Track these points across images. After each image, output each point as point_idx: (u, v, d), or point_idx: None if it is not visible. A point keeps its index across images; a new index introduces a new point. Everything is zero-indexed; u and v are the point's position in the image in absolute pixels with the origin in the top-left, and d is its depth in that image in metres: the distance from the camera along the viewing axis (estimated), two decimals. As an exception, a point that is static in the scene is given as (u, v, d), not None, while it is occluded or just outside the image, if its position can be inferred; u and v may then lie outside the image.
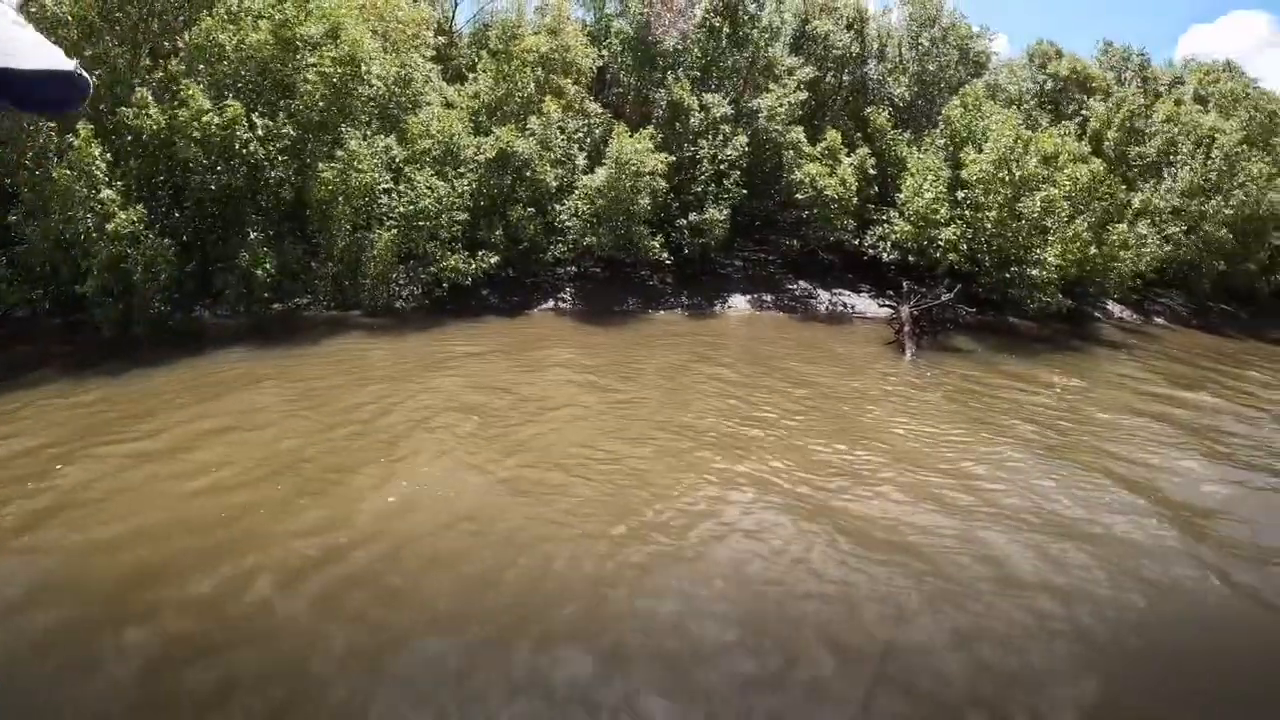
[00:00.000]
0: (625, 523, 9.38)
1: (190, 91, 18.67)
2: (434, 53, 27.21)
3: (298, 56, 20.54)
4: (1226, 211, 37.97)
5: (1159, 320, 39.91)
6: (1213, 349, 32.17)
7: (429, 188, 22.45)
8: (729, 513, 9.88)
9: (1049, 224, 28.55)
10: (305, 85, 20.40)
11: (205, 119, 18.65)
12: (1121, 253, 30.81)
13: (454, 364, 17.48)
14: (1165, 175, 39.79)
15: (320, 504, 9.42)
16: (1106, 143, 40.58)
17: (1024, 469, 12.36)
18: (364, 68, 21.67)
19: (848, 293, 30.81)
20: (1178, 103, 43.73)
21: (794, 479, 11.17)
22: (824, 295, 30.26)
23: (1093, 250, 29.25)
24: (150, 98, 18.71)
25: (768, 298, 29.22)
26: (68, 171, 16.87)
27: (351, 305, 21.91)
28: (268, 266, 19.45)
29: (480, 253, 23.34)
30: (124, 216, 17.22)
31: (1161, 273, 38.04)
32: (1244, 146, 40.19)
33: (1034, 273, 27.71)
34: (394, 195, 22.17)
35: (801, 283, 30.79)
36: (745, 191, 27.69)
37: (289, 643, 6.87)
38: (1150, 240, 33.79)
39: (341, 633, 7.01)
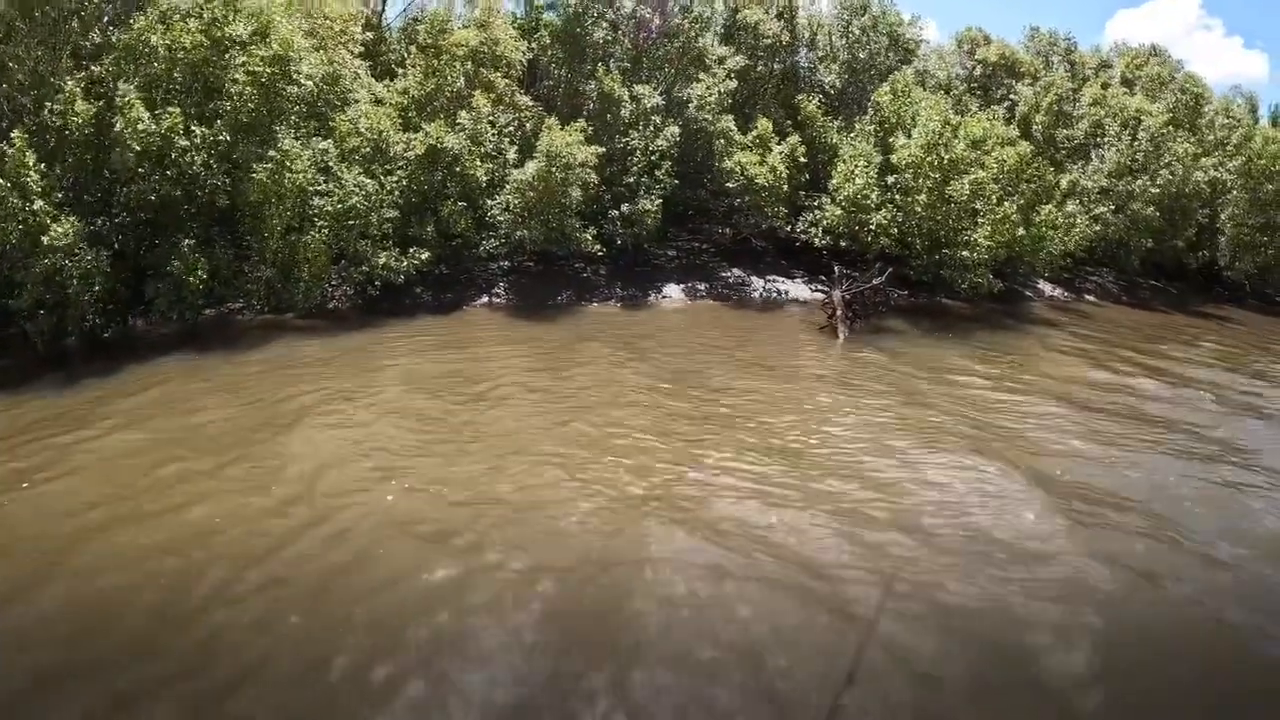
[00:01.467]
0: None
1: (128, 99, 18.71)
2: (362, 49, 27.41)
3: (227, 56, 20.64)
4: (1153, 191, 39.58)
5: (1089, 298, 41.44)
6: (1142, 324, 33.65)
7: (357, 185, 22.63)
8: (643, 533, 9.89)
9: (978, 206, 29.59)
10: (235, 86, 20.55)
11: (142, 127, 18.67)
12: (1050, 232, 32.07)
13: (389, 363, 18.03)
14: (1093, 157, 41.34)
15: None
16: (1035, 126, 42.02)
17: (932, 462, 12.72)
18: (293, 67, 21.84)
19: (781, 279, 31.71)
20: (1105, 86, 45.30)
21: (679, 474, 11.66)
22: (758, 282, 31.09)
23: (1021, 231, 30.36)
24: (79, 92, 18.74)
25: (702, 286, 29.91)
26: (1, 181, 16.85)
27: (286, 308, 22.11)
28: (200, 273, 19.62)
29: (412, 250, 23.70)
30: (59, 230, 17.19)
31: (1091, 251, 39.51)
32: (1170, 128, 41.85)
33: (964, 254, 28.78)
34: (324, 196, 22.34)
35: (735, 270, 31.55)
36: (677, 181, 28.32)
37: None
38: (1079, 220, 35.13)
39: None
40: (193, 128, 19.59)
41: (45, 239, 17.06)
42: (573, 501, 10.33)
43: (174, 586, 8.04)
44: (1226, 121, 48.54)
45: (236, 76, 20.50)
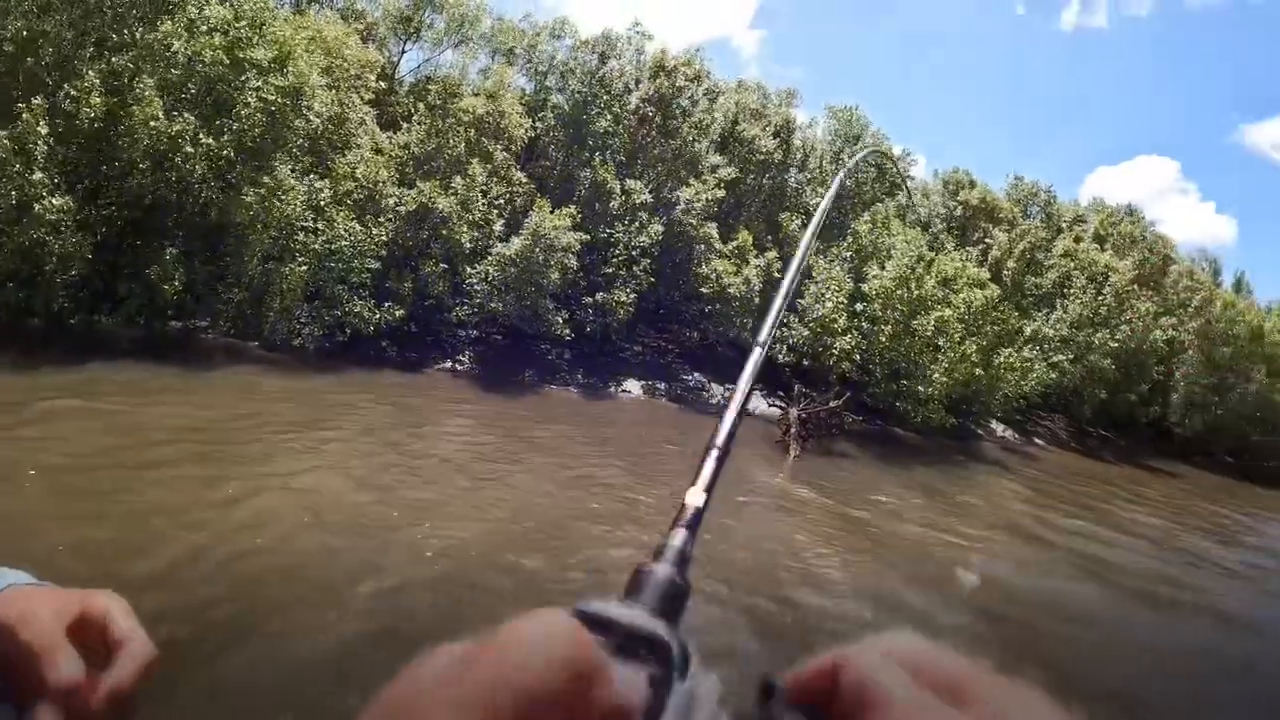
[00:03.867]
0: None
1: (147, 94, 19.48)
2: (373, 96, 28.28)
3: (243, 78, 21.47)
4: (1112, 344, 42.23)
5: (1039, 441, 43.33)
6: (1089, 472, 35.26)
7: (346, 230, 23.66)
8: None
9: (941, 343, 31.47)
10: (245, 109, 21.34)
11: (155, 124, 19.44)
12: (1008, 375, 33.78)
13: (345, 411, 18.41)
14: (1058, 306, 43.61)
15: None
16: (1006, 271, 44.28)
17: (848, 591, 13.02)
18: (305, 101, 22.77)
19: (741, 390, 32.44)
20: (1077, 239, 47.97)
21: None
22: (717, 389, 32.32)
23: (980, 371, 32.26)
24: (98, 83, 19.49)
25: (662, 385, 31.02)
26: (6, 142, 17.59)
27: (251, 336, 22.83)
28: (176, 283, 20.37)
29: (387, 304, 24.56)
30: (53, 203, 17.97)
31: (1046, 397, 41.53)
32: (1135, 285, 44.16)
33: (921, 388, 30.39)
34: (311, 233, 23.22)
35: (697, 374, 32.81)
36: (653, 279, 29.81)
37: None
38: (1037, 365, 37.13)
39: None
40: (201, 137, 20.45)
41: (37, 208, 17.81)
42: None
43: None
44: (1190, 283, 51.52)
45: (249, 100, 21.39)
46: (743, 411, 1.08)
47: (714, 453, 0.97)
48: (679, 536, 0.82)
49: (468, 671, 0.40)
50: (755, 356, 1.24)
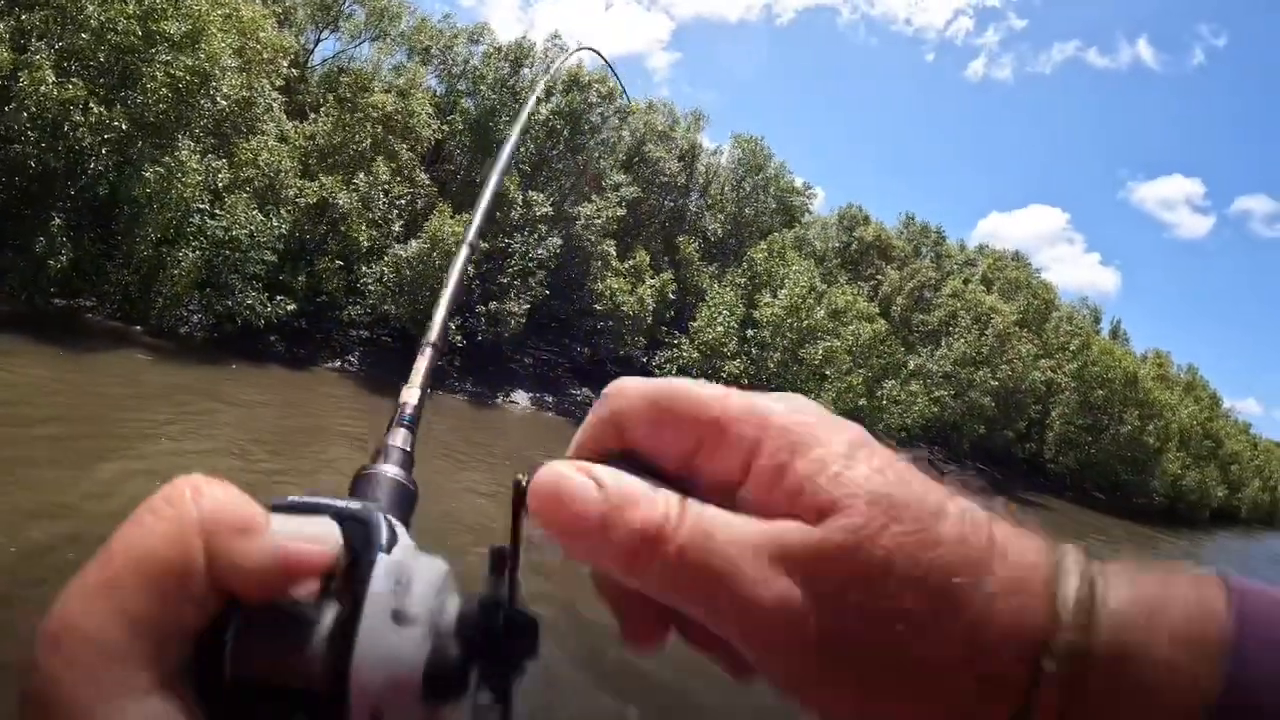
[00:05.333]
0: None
1: (39, 57, 19.28)
2: (283, 83, 27.95)
3: (153, 50, 21.22)
4: (992, 383, 44.56)
5: (918, 473, 44.86)
6: None
7: (245, 218, 23.39)
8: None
9: (828, 372, 33.05)
10: (152, 83, 21.11)
11: (44, 90, 19.13)
12: (892, 406, 35.56)
13: (227, 404, 18.14)
14: (942, 343, 45.54)
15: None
16: (895, 307, 46.43)
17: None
18: (213, 82, 22.64)
19: (628, 407, 33.29)
20: (965, 281, 50.34)
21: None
22: (606, 406, 32.58)
23: (863, 401, 33.99)
24: (5, 38, 19.26)
25: (549, 399, 31.60)
26: None
27: (138, 320, 22.48)
28: (62, 258, 20.12)
29: (279, 298, 24.30)
30: None
31: (926, 430, 43.22)
32: (1017, 328, 46.52)
33: (805, 416, 31.35)
34: (208, 217, 22.89)
35: (585, 390, 33.34)
36: (548, 292, 30.44)
37: None
38: (920, 399, 39.12)
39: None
40: (92, 105, 20.17)
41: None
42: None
43: None
44: (1070, 328, 54.94)
45: (156, 74, 21.12)
46: (450, 317, 1.19)
47: (427, 350, 1.07)
48: (399, 436, 0.87)
49: (96, 559, 0.41)
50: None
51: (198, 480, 0.46)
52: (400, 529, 0.52)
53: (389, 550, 0.49)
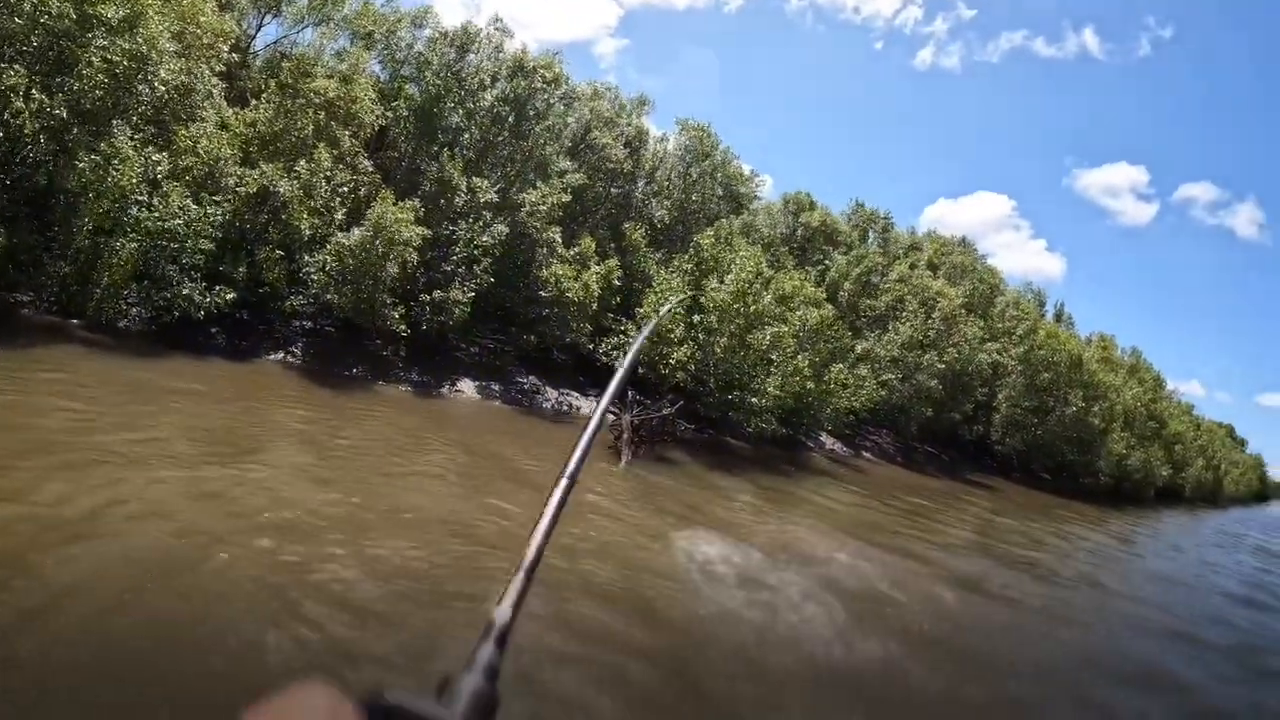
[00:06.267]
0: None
1: None
2: (223, 68, 27.77)
3: (89, 35, 21.05)
4: (939, 365, 45.62)
5: (867, 455, 46.49)
6: (911, 484, 38.70)
7: (182, 208, 23.22)
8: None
9: (775, 357, 33.77)
10: (88, 69, 20.97)
11: None
12: (839, 390, 36.38)
13: (166, 399, 17.81)
14: (890, 328, 46.48)
15: None
16: (842, 292, 47.30)
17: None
18: (152, 67, 22.48)
19: (575, 394, 34.38)
20: (912, 266, 51.37)
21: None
22: (551, 393, 33.56)
23: (811, 385, 34.81)
24: None
25: (496, 387, 31.72)
26: None
27: (75, 314, 22.36)
28: None
29: (219, 288, 24.12)
30: None
31: (875, 413, 44.37)
32: (963, 311, 47.62)
33: (754, 400, 32.59)
34: (145, 208, 22.69)
35: (532, 378, 33.85)
36: (493, 279, 30.54)
37: None
38: (867, 383, 40.27)
39: None
40: (34, 93, 20.04)
41: None
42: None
43: None
44: (1016, 313, 56.32)
45: (93, 60, 21.01)
46: (548, 536, 1.28)
47: (521, 573, 1.14)
48: (487, 650, 0.97)
49: None
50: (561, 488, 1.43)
51: (317, 688, 0.62)
52: None
53: None
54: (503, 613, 1.05)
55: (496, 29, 33.91)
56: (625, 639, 10.57)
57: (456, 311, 29.19)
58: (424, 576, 10.81)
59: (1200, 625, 20.45)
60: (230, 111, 27.73)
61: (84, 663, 7.17)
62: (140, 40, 21.81)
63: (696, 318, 33.23)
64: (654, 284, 34.12)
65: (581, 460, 1.58)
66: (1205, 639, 18.62)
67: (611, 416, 28.35)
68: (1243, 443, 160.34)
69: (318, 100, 28.19)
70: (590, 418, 1.74)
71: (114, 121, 22.02)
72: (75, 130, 21.25)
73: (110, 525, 10.08)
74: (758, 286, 33.98)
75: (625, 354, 2.19)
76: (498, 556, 12.24)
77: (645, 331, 2.60)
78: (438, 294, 29.32)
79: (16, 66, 19.80)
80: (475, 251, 30.08)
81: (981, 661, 13.18)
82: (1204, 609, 23.11)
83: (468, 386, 30.68)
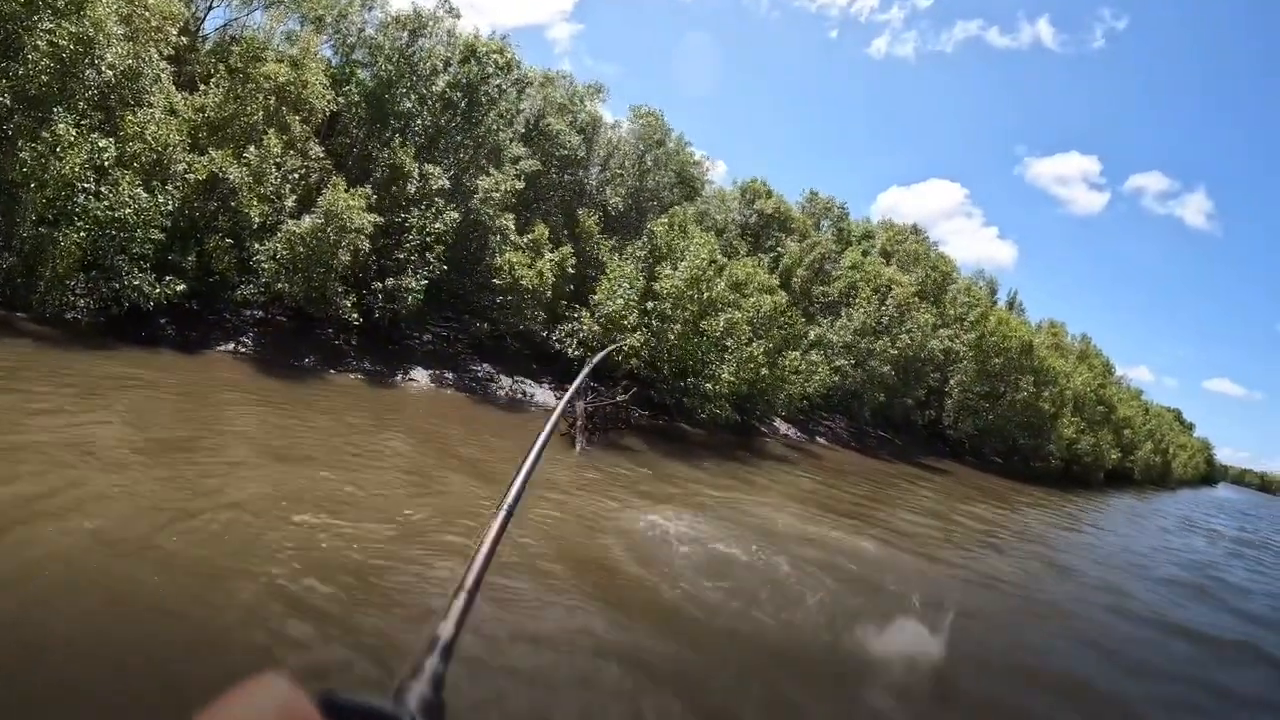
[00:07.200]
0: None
1: None
2: (172, 52, 27.31)
3: (35, 18, 20.86)
4: (892, 351, 46.42)
5: (821, 440, 47.17)
6: (863, 467, 39.36)
7: (131, 196, 22.95)
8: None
9: (729, 343, 34.26)
10: (33, 53, 20.79)
11: None
12: (793, 376, 36.85)
13: (114, 393, 17.76)
14: (843, 314, 47.08)
15: None
16: (795, 279, 47.95)
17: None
18: (98, 51, 22.25)
19: (529, 381, 34.55)
20: (865, 253, 52.27)
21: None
22: (506, 381, 33.70)
23: (765, 371, 35.31)
24: None
25: (450, 376, 31.78)
26: None
27: (20, 306, 22.16)
28: None
29: (168, 278, 23.92)
30: None
31: (828, 398, 45.13)
32: (916, 298, 48.45)
33: (708, 386, 33.04)
34: (92, 196, 22.48)
35: (486, 365, 33.99)
36: (446, 267, 30.58)
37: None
38: (821, 369, 40.53)
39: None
40: None
41: None
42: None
43: None
44: (968, 300, 57.41)
45: (38, 44, 20.83)
46: (488, 562, 1.34)
47: (464, 594, 1.21)
48: (433, 662, 1.05)
49: None
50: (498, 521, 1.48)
51: (276, 680, 0.68)
52: None
53: None
54: (446, 629, 1.13)
55: (444, 11, 33.75)
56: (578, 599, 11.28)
57: (409, 299, 29.25)
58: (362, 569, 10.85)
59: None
60: (179, 96, 27.26)
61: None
62: (87, 23, 21.62)
63: (650, 304, 33.46)
64: (607, 271, 34.35)
65: (521, 490, 1.65)
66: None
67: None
68: (1190, 426, 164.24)
69: (268, 85, 27.90)
70: (529, 450, 1.84)
71: (57, 108, 21.73)
72: (17, 117, 21.10)
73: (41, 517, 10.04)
74: (711, 273, 34.39)
75: (571, 386, 2.35)
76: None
77: (588, 368, 2.89)
78: (390, 282, 29.40)
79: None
80: (428, 239, 30.06)
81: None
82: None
83: (421, 375, 30.71)
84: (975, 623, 15.19)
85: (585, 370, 2.59)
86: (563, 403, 2.40)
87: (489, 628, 9.45)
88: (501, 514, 1.52)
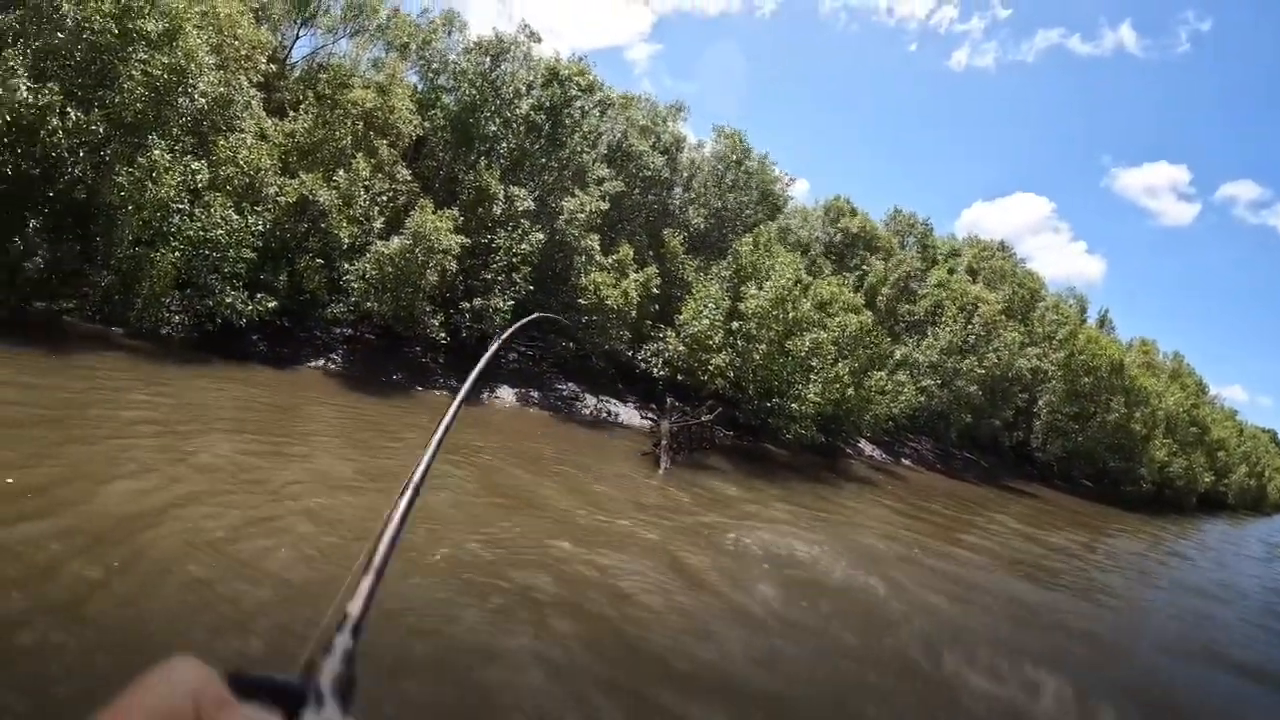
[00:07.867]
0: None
1: (12, 63, 19.18)
2: (261, 79, 27.98)
3: (130, 49, 21.31)
4: (979, 371, 45.10)
5: (906, 462, 46.13)
6: (953, 491, 38.06)
7: (223, 218, 23.45)
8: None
9: (814, 363, 33.57)
10: (129, 83, 21.22)
11: (20, 96, 19.09)
12: (878, 396, 36.13)
13: (211, 406, 17.85)
14: (929, 333, 46.16)
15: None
16: (880, 298, 47.07)
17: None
18: (191, 80, 22.70)
19: (614, 401, 34.33)
20: (950, 271, 51.07)
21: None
22: (590, 400, 33.53)
23: (851, 392, 34.52)
24: None
25: (535, 394, 31.70)
26: None
27: (117, 322, 22.62)
28: (39, 261, 20.24)
29: (260, 296, 24.32)
30: None
31: (914, 419, 44.07)
32: (1003, 316, 47.31)
33: (794, 406, 32.40)
34: (186, 217, 22.99)
35: (571, 384, 33.83)
36: (532, 287, 30.54)
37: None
38: (907, 389, 39.70)
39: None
40: (69, 110, 20.24)
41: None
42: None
43: None
44: (1056, 317, 55.76)
45: (134, 73, 21.28)
46: (395, 541, 1.38)
47: (371, 573, 1.26)
48: (344, 639, 1.09)
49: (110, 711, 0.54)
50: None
51: (187, 662, 0.70)
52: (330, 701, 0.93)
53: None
54: (355, 607, 1.17)
55: (525, 36, 33.85)
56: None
57: (496, 319, 29.22)
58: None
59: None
60: (269, 122, 27.87)
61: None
62: (179, 53, 22.08)
63: (735, 324, 33.04)
64: (693, 291, 34.07)
65: (425, 471, 1.72)
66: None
67: (650, 422, 28.43)
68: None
69: (355, 111, 28.44)
70: (435, 430, 1.95)
71: (152, 134, 22.21)
72: (114, 144, 21.50)
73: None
74: (796, 293, 33.88)
75: (488, 349, 2.55)
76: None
77: (502, 338, 3.01)
78: (478, 302, 29.46)
79: (51, 85, 19.88)
80: (514, 259, 30.09)
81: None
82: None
83: (507, 394, 30.68)
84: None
85: (497, 342, 2.81)
86: (470, 378, 2.43)
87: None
88: (409, 494, 1.57)
